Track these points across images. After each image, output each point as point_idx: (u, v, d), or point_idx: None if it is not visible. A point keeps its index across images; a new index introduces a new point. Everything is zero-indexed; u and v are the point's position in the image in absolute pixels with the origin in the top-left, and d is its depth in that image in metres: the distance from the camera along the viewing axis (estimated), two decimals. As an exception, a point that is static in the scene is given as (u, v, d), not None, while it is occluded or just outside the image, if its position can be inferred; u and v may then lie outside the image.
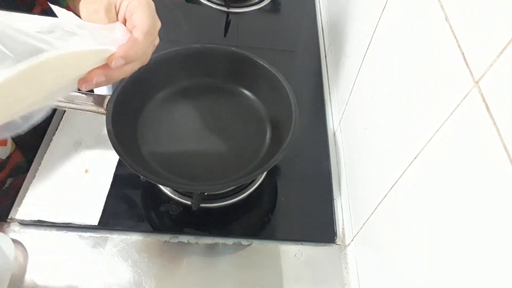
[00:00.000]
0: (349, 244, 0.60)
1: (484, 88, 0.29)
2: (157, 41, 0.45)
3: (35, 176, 0.62)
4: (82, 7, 0.42)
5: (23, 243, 0.56)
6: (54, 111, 0.71)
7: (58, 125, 0.68)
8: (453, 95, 0.33)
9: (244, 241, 0.60)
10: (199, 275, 0.56)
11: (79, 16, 0.42)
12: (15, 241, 0.56)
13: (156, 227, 0.60)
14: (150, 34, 0.41)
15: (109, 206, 0.60)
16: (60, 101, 0.53)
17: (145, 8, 0.41)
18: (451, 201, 0.33)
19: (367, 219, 0.53)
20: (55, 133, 0.67)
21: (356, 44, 0.66)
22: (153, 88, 0.66)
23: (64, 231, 0.58)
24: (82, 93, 0.55)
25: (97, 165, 0.64)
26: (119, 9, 0.42)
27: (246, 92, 0.69)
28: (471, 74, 0.31)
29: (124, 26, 0.41)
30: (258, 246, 0.60)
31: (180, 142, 0.63)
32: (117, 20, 0.42)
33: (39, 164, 0.63)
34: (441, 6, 0.37)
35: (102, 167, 0.64)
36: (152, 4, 0.43)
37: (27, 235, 0.57)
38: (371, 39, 0.57)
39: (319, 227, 0.62)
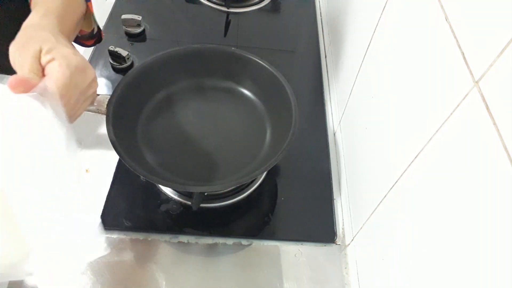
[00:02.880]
0: (349, 244, 0.60)
1: (484, 88, 0.29)
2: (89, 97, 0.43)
3: (35, 176, 0.62)
4: (14, 50, 0.40)
5: (23, 243, 0.56)
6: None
7: (58, 125, 0.68)
8: (453, 95, 0.33)
9: (244, 241, 0.60)
10: (199, 275, 0.56)
11: None
12: (15, 241, 0.56)
13: (156, 227, 0.60)
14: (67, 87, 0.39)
15: (109, 206, 0.60)
16: None
17: (59, 72, 0.38)
18: (451, 201, 0.33)
19: (367, 219, 0.53)
20: (55, 133, 0.67)
21: (356, 44, 0.66)
22: (153, 88, 0.66)
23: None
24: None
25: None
26: (41, 58, 0.39)
27: (246, 92, 0.69)
28: (471, 74, 0.31)
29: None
30: (258, 246, 0.60)
31: (180, 142, 0.63)
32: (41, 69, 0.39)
33: (39, 164, 0.63)
34: (441, 6, 0.37)
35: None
36: (71, 64, 0.39)
37: (27, 235, 0.57)
38: (371, 39, 0.57)
39: (319, 227, 0.62)
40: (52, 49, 0.39)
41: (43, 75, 0.39)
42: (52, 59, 0.39)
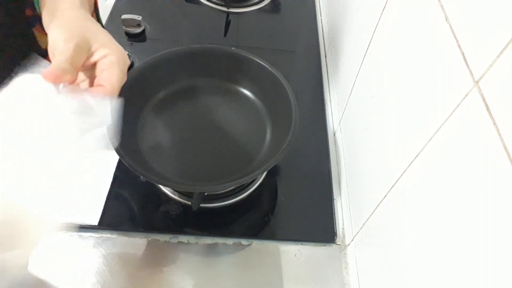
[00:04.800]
0: (349, 244, 0.60)
1: (484, 88, 0.29)
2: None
3: (35, 176, 0.62)
4: (52, 31, 0.39)
5: (23, 243, 0.56)
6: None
7: (58, 125, 0.68)
8: (453, 95, 0.33)
9: (244, 241, 0.60)
10: (199, 275, 0.56)
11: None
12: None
13: (156, 227, 0.60)
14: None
15: (109, 206, 0.60)
16: None
17: (118, 69, 0.40)
18: (451, 201, 0.33)
19: (367, 219, 0.53)
20: (55, 133, 0.67)
21: (356, 44, 0.66)
22: (153, 88, 0.66)
23: (64, 231, 0.58)
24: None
25: (97, 165, 0.64)
26: (93, 53, 0.40)
27: (246, 92, 0.69)
28: (471, 74, 0.31)
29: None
30: (258, 246, 0.60)
31: (180, 142, 0.63)
32: (83, 61, 0.39)
33: (39, 164, 0.63)
34: (441, 6, 0.37)
35: (102, 167, 0.64)
36: (127, 62, 0.42)
37: (27, 235, 0.57)
38: (371, 39, 0.57)
39: (319, 227, 0.62)
40: (106, 43, 0.40)
41: (87, 68, 0.40)
42: (107, 55, 0.39)
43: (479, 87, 0.30)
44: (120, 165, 0.64)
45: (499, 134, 0.27)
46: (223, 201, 0.62)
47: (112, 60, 0.40)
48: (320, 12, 1.01)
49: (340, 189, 0.68)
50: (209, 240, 0.59)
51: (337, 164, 0.71)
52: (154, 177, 0.53)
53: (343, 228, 0.63)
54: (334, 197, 0.66)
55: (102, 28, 0.42)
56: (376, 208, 0.50)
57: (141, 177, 0.56)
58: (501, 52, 0.27)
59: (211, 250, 0.59)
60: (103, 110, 0.38)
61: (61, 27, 0.39)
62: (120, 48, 0.41)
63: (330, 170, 0.70)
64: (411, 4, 0.44)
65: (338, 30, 0.81)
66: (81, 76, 0.41)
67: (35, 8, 0.50)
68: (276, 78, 0.62)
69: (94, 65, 0.41)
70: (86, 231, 0.58)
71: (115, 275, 0.55)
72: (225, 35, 0.92)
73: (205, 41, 0.88)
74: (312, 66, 0.88)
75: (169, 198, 0.62)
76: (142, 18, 0.86)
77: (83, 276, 0.54)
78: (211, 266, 0.57)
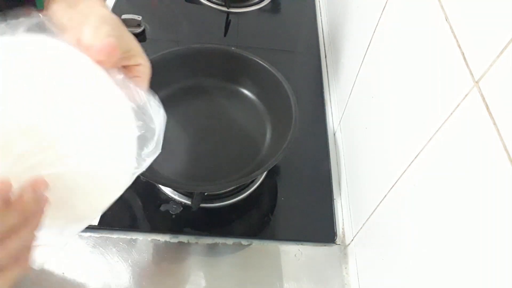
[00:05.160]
0: (349, 244, 0.60)
1: (484, 88, 0.29)
2: None
3: (35, 176, 0.62)
4: (89, 27, 0.38)
5: (23, 243, 0.56)
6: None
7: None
8: (453, 95, 0.33)
9: (244, 241, 0.60)
10: (199, 275, 0.56)
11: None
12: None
13: (156, 227, 0.60)
14: None
15: (109, 206, 0.60)
16: None
17: (147, 81, 0.43)
18: (451, 201, 0.33)
19: (367, 219, 0.53)
20: (55, 133, 0.67)
21: (356, 44, 0.66)
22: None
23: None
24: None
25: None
26: (129, 57, 0.41)
27: (246, 92, 0.69)
28: (471, 74, 0.31)
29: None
30: (258, 246, 0.60)
31: (180, 142, 0.63)
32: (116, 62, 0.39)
33: (39, 164, 0.63)
34: (441, 6, 0.37)
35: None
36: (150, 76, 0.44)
37: (27, 235, 0.57)
38: (371, 39, 0.57)
39: (319, 227, 0.62)
40: (141, 53, 0.42)
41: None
42: (141, 64, 0.41)
43: (479, 87, 0.30)
44: (120, 165, 0.64)
45: (499, 134, 0.27)
46: (223, 201, 0.62)
47: (145, 71, 0.42)
48: (320, 12, 1.01)
49: (340, 189, 0.68)
50: (209, 240, 0.59)
51: (337, 164, 0.71)
52: (154, 177, 0.53)
53: (343, 228, 0.63)
54: (334, 197, 0.66)
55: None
56: (376, 208, 0.50)
57: (141, 177, 0.56)
58: (501, 52, 0.27)
59: (211, 250, 0.59)
60: (155, 110, 0.38)
61: (103, 24, 0.40)
62: (149, 62, 0.43)
63: (330, 170, 0.70)
64: (411, 4, 0.44)
65: (338, 30, 0.81)
66: None
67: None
68: (276, 78, 0.63)
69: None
70: (86, 231, 0.58)
71: (115, 275, 0.55)
72: (225, 35, 0.92)
73: (205, 41, 0.87)
74: (312, 66, 0.88)
75: (169, 198, 0.62)
76: (142, 18, 0.86)
77: (83, 276, 0.54)
78: (211, 266, 0.57)
